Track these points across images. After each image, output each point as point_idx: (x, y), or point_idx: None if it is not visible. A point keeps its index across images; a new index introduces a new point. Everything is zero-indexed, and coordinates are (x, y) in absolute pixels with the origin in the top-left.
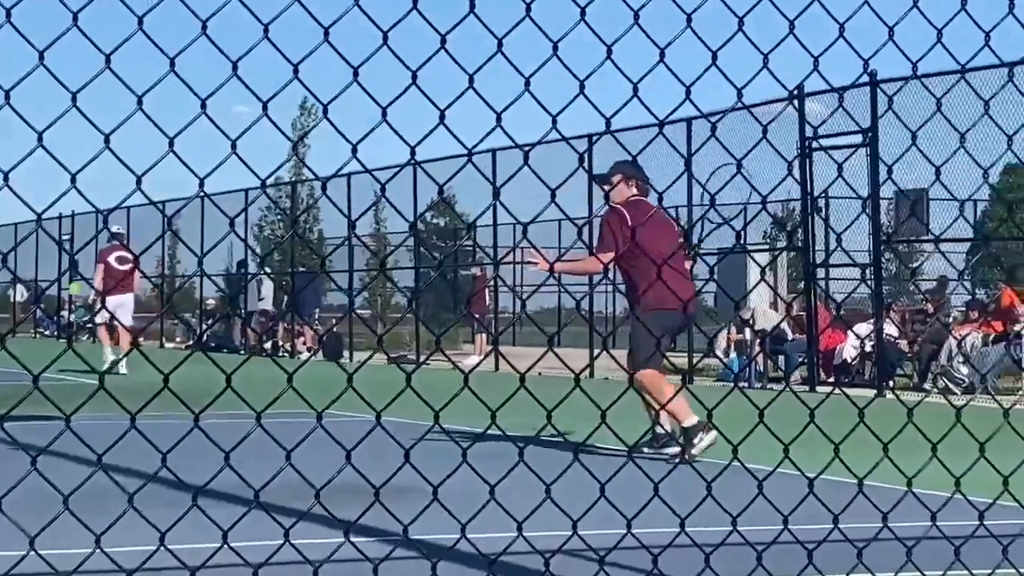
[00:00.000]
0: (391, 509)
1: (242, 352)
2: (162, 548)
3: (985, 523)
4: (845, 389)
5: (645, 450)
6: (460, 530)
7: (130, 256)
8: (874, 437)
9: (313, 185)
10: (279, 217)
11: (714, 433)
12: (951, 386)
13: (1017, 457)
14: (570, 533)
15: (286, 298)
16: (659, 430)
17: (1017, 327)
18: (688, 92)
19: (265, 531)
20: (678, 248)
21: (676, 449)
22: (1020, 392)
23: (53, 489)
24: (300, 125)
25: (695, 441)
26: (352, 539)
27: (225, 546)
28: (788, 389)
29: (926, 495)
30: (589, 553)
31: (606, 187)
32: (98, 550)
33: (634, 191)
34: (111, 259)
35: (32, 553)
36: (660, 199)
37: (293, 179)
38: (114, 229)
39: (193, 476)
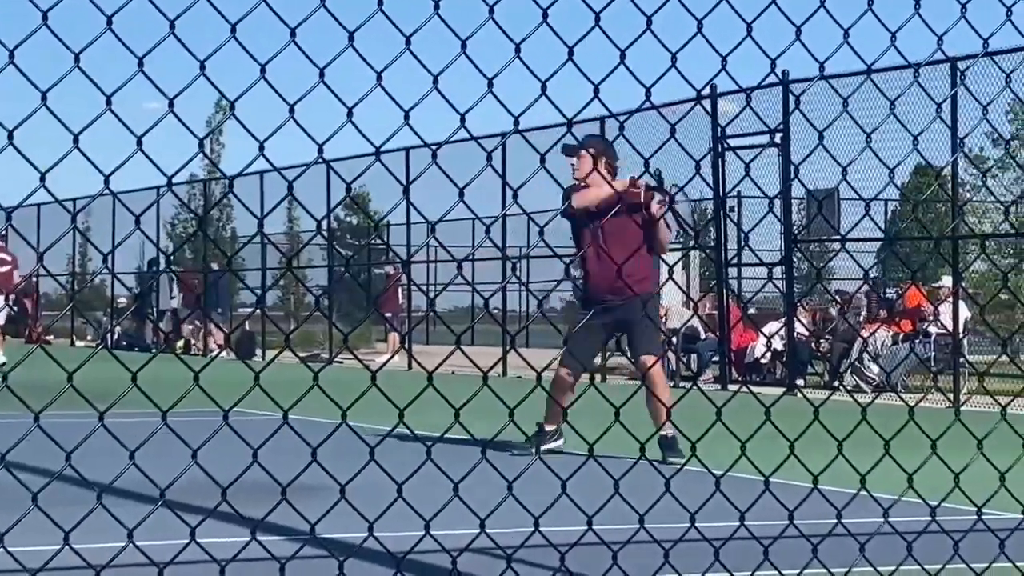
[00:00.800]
0: (298, 507)
1: (153, 351)
2: (67, 547)
3: (890, 520)
4: (758, 388)
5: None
6: (368, 528)
7: (8, 258)
8: (782, 435)
9: (227, 183)
10: (192, 216)
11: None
12: (862, 384)
13: (922, 454)
14: (478, 531)
15: (183, 296)
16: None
17: (925, 325)
18: (596, 91)
19: (171, 530)
20: None
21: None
22: (929, 388)
23: None
24: (214, 123)
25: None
26: (259, 538)
27: (130, 545)
28: (695, 387)
29: (832, 492)
30: (497, 551)
31: (573, 161)
32: (1, 549)
33: (602, 174)
34: None
35: None
36: (565, 196)
37: (207, 177)
38: None
39: (98, 475)
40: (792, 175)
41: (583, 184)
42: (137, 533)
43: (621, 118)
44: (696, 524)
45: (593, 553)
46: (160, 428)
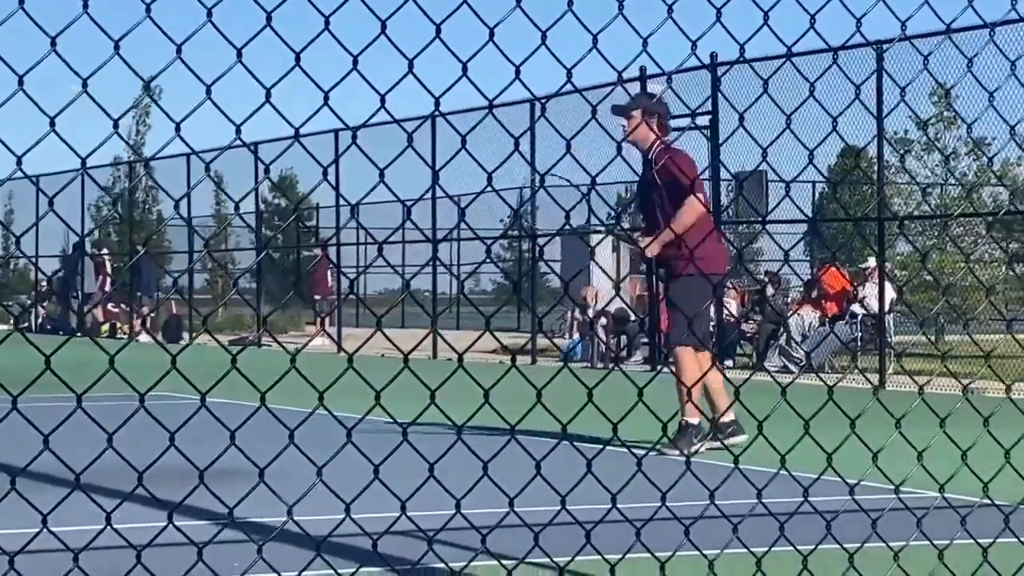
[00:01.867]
0: (216, 491)
1: (78, 335)
2: None
3: (810, 499)
4: None
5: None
6: (287, 512)
7: None
8: (705, 418)
9: (150, 165)
10: (115, 198)
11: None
12: (788, 365)
13: (841, 433)
14: (398, 514)
15: (102, 279)
16: (726, 418)
17: (851, 306)
18: (517, 72)
19: (86, 515)
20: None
21: (739, 439)
22: (853, 368)
23: None
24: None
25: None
26: (176, 522)
27: (45, 530)
28: (618, 368)
29: (753, 472)
30: (418, 533)
31: (625, 123)
32: None
33: (655, 132)
34: None
35: None
36: (489, 179)
37: (130, 159)
38: None
39: (12, 460)
40: (722, 156)
41: (660, 150)
42: (52, 518)
43: (544, 101)
44: (618, 505)
45: (514, 534)
46: (75, 412)
